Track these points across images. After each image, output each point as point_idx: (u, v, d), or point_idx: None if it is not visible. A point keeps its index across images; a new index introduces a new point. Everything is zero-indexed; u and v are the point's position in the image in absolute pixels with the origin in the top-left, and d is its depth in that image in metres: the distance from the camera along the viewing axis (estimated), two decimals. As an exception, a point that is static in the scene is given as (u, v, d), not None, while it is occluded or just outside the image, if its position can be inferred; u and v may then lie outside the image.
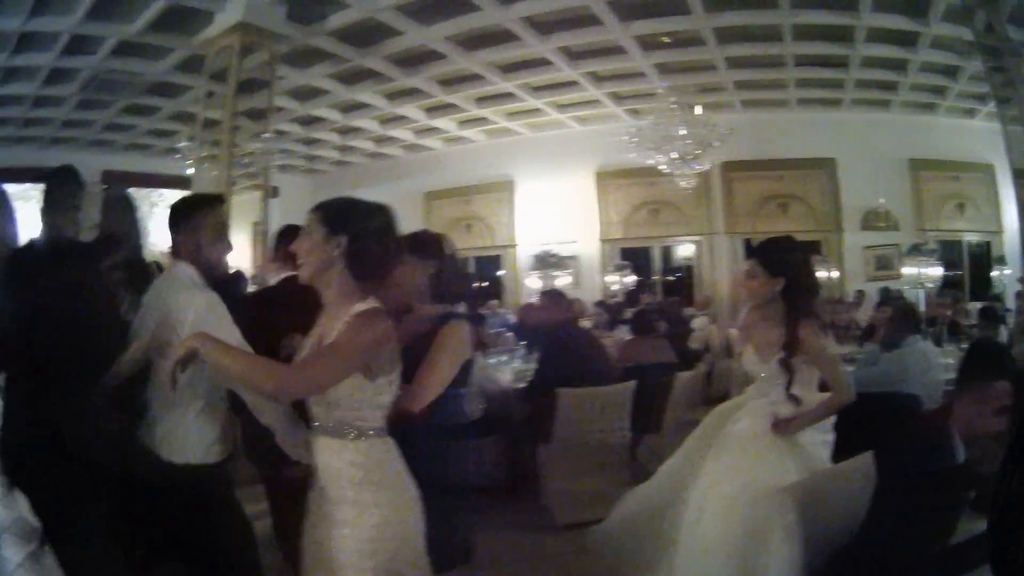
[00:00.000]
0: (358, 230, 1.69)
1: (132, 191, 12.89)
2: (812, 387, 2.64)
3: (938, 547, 1.78)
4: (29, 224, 10.40)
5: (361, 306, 1.63)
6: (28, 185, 11.14)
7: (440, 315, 2.13)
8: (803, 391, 2.59)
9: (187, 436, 2.08)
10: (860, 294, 8.85)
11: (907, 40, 7.77)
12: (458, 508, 2.12)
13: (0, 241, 2.26)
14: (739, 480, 2.50)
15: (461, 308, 2.30)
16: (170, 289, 2.15)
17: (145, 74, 8.11)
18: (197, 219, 2.23)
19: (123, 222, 3.29)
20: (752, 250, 2.81)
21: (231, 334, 2.00)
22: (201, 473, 2.08)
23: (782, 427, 2.55)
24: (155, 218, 13.98)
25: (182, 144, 7.17)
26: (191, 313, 2.02)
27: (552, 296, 5.64)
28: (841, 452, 2.69)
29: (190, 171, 7.30)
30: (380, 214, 1.76)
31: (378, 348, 1.63)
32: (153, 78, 8.21)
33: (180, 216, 2.25)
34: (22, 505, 1.35)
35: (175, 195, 11.33)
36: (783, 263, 2.62)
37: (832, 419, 2.69)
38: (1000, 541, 1.64)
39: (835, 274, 9.47)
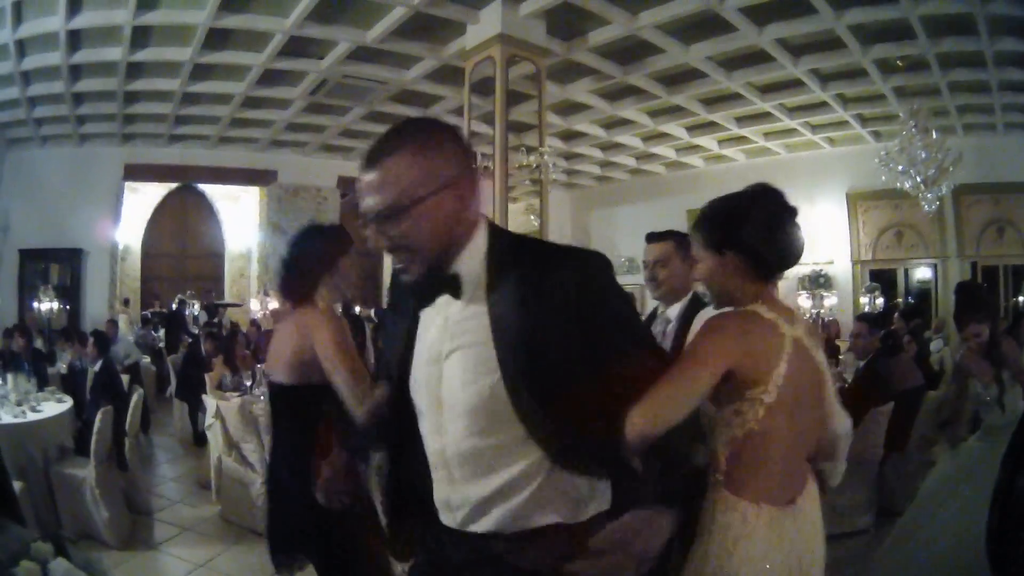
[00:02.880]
0: None
1: None
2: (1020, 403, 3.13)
3: None
4: (242, 225, 10.44)
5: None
6: (238, 187, 11.16)
7: None
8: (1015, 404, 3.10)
9: None
10: (1054, 318, 9.06)
11: None
12: None
13: None
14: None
15: None
16: None
17: (388, 82, 8.06)
18: None
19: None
20: (964, 315, 3.39)
21: None
22: None
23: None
24: None
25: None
26: None
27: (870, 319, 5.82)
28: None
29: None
30: None
31: None
32: (399, 86, 8.16)
33: None
34: None
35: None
36: (991, 308, 3.41)
37: None
38: (1000, 541, 1.74)
39: (1040, 301, 9.69)
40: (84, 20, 6.72)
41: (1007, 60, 7.86)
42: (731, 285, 1.63)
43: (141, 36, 7.20)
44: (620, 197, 13.48)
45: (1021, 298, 9.74)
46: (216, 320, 9.85)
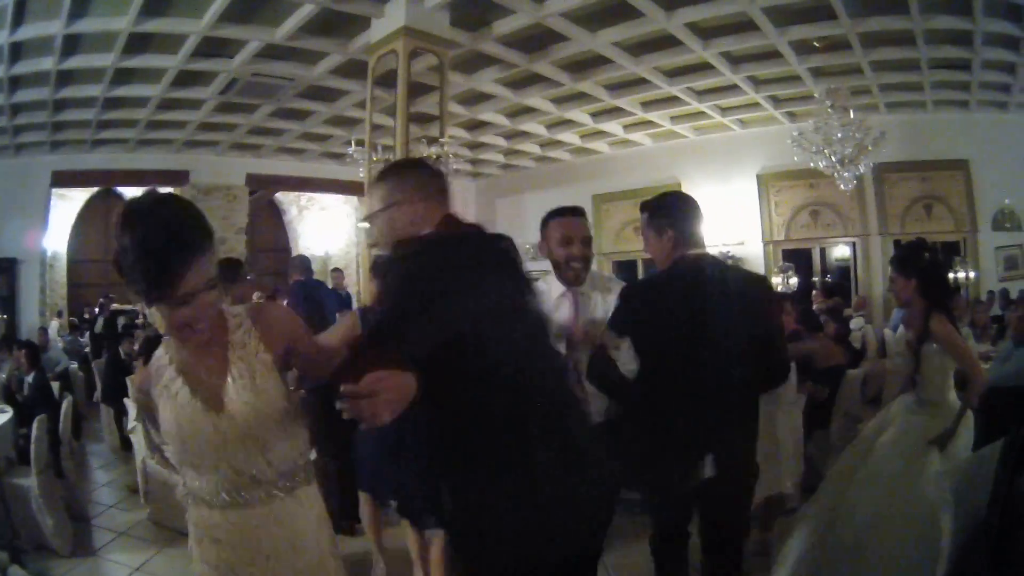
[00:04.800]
0: None
1: (279, 195, 12.87)
2: (948, 379, 3.01)
3: None
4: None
5: None
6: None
7: None
8: (939, 382, 3.00)
9: None
10: (991, 295, 8.99)
11: (1012, 43, 7.81)
12: None
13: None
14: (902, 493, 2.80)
15: None
16: None
17: (296, 79, 8.00)
18: None
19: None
20: (891, 258, 3.38)
21: None
22: None
23: (938, 441, 2.88)
24: (304, 221, 13.96)
25: (352, 149, 7.06)
26: None
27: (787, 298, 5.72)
28: (980, 442, 3.04)
29: (362, 175, 7.19)
30: None
31: None
32: (306, 82, 8.10)
33: None
34: None
35: (327, 199, 11.30)
36: (914, 265, 3.12)
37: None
38: (1000, 541, 1.70)
39: (972, 274, 9.61)
40: (24, 32, 6.71)
41: (940, 38, 7.75)
42: None
43: (71, 45, 7.19)
44: (526, 184, 13.45)
45: (951, 274, 9.64)
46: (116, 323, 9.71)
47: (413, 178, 1.72)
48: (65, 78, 8.01)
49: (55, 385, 6.50)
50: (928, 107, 9.46)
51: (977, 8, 6.88)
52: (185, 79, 8.22)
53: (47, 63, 7.44)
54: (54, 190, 10.64)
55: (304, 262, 6.76)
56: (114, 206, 11.80)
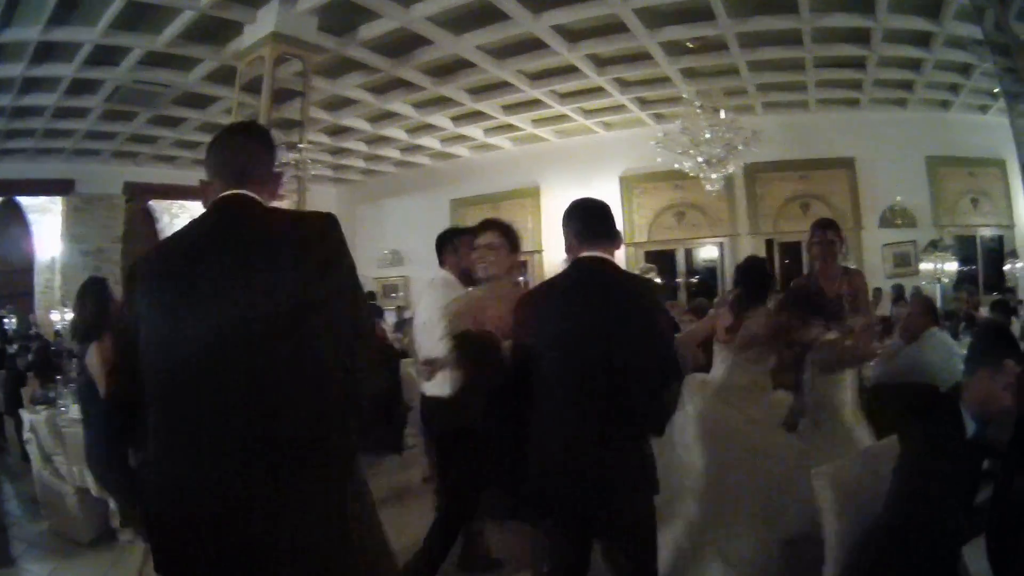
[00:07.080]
0: None
1: (154, 203, 12.90)
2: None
3: (954, 514, 1.82)
4: (50, 236, 10.48)
5: None
6: (46, 198, 11.18)
7: None
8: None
9: None
10: (878, 292, 8.98)
11: (922, 40, 7.89)
12: None
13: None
14: None
15: None
16: None
17: (172, 85, 8.13)
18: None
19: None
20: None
21: None
22: None
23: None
24: (175, 229, 14.03)
25: (219, 157, 7.14)
26: None
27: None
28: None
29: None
30: None
31: None
32: (181, 89, 8.23)
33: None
34: None
35: (198, 206, 11.41)
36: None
37: None
38: (1000, 541, 1.73)
39: (854, 271, 9.53)
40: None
41: (832, 36, 7.80)
42: None
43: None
44: (386, 190, 13.49)
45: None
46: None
47: None
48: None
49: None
50: (811, 106, 9.50)
51: (880, 4, 6.92)
52: (78, 87, 8.33)
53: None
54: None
55: None
56: (13, 216, 11.90)
